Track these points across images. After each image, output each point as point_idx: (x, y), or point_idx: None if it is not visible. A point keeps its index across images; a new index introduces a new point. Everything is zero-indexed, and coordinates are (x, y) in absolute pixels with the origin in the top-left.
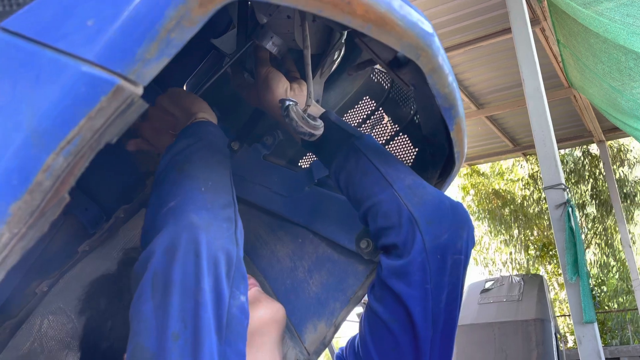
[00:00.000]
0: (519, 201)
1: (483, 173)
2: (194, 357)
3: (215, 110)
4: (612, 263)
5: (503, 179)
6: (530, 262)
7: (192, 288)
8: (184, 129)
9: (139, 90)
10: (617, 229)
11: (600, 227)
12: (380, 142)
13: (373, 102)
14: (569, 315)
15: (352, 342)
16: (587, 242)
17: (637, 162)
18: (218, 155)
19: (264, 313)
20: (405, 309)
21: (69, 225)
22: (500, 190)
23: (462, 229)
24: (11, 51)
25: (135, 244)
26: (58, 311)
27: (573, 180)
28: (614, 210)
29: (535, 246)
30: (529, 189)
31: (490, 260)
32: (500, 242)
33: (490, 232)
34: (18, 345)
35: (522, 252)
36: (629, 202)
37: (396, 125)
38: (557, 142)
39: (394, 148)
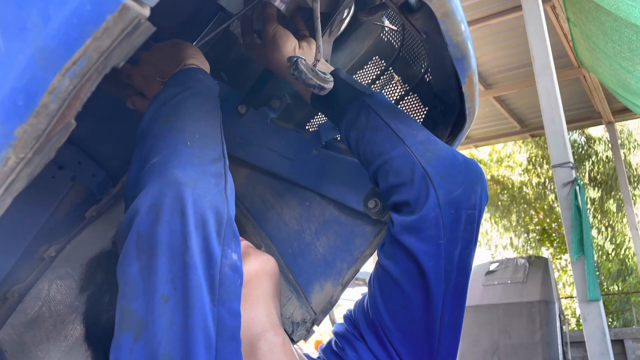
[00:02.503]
0: (518, 186)
1: (481, 160)
2: (184, 319)
3: (223, 74)
4: (612, 246)
5: (502, 166)
6: (532, 247)
7: (179, 249)
8: (173, 76)
9: (146, 11)
10: (622, 211)
11: (599, 209)
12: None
13: (383, 62)
14: (572, 297)
15: (360, 303)
16: (592, 224)
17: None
18: (207, 105)
19: (253, 266)
20: (417, 265)
21: (76, 190)
22: (500, 177)
23: (476, 184)
24: None
25: None
26: (66, 276)
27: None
28: (616, 194)
29: (536, 230)
30: (528, 174)
31: (494, 245)
32: (501, 226)
33: (490, 218)
34: (26, 309)
35: (522, 237)
36: (632, 186)
37: (406, 85)
38: (566, 123)
39: (404, 107)
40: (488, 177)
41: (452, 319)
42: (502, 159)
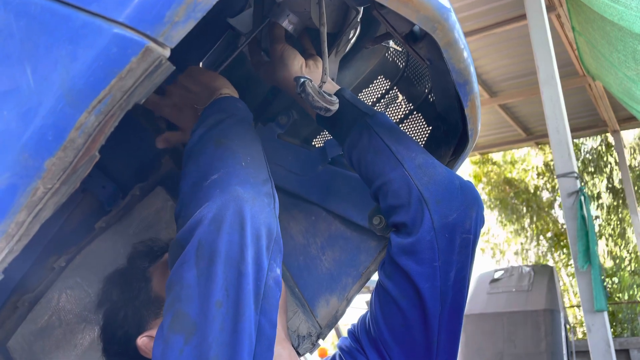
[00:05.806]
0: (532, 190)
1: (495, 162)
2: (234, 325)
3: None
4: (625, 255)
5: (515, 168)
6: (541, 253)
7: (236, 258)
8: (212, 103)
9: (167, 52)
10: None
11: (615, 217)
12: (394, 120)
13: (387, 81)
14: (579, 306)
15: (363, 318)
16: (601, 232)
17: None
18: (251, 132)
19: None
20: (413, 285)
21: (86, 202)
22: (513, 179)
23: (471, 209)
24: (46, 15)
25: (146, 230)
26: (75, 286)
27: (590, 170)
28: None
29: (547, 236)
30: (542, 178)
31: (499, 251)
32: (510, 232)
33: (501, 222)
34: (36, 318)
35: (534, 241)
36: None
37: (410, 104)
38: (571, 131)
39: (408, 126)
40: (501, 179)
41: (449, 337)
42: (515, 161)
